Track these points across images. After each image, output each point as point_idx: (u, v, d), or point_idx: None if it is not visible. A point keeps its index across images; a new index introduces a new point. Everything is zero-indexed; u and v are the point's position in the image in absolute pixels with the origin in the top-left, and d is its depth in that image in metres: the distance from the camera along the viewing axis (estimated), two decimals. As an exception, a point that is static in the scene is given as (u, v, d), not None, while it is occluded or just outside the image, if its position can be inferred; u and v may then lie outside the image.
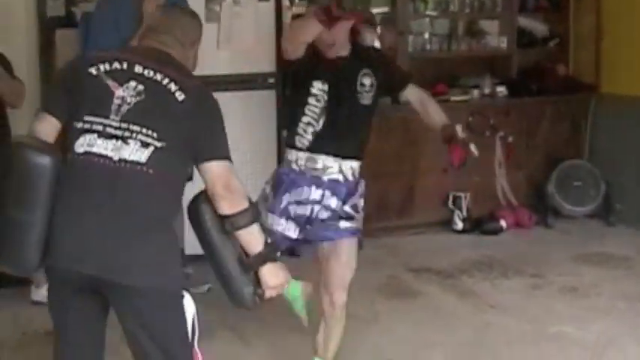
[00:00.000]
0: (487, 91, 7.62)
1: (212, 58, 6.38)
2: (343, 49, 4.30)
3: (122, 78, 3.08)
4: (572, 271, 6.34)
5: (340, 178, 4.29)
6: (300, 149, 4.26)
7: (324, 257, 4.33)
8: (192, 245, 6.07)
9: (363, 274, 6.19)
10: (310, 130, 4.24)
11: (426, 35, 7.64)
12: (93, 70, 3.10)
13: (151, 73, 3.09)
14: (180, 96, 3.07)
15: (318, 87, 4.23)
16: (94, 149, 3.02)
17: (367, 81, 4.30)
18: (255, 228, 3.18)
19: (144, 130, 3.02)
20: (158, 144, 3.02)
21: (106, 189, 3.00)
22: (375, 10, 7.69)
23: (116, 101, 3.04)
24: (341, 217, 4.29)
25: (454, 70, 7.81)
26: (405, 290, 6.04)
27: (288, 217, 4.28)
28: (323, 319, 4.41)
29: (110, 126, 3.02)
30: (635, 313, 5.53)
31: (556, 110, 7.76)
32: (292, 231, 4.29)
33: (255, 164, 6.27)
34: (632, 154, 7.42)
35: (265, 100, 6.69)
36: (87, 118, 3.04)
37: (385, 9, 7.67)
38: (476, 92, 7.59)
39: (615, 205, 7.53)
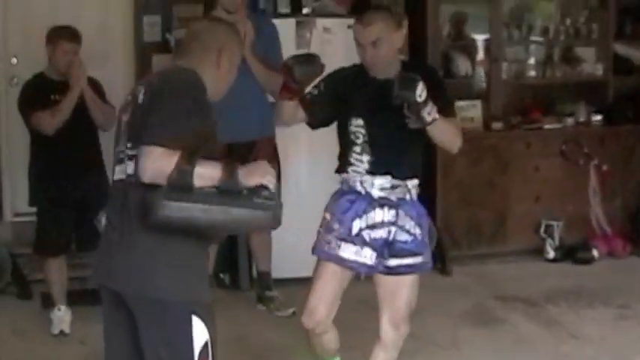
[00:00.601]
0: (582, 119, 7.54)
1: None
2: (389, 71, 4.10)
3: (126, 106, 3.27)
4: (662, 303, 6.20)
5: (407, 197, 4.16)
6: (360, 173, 4.16)
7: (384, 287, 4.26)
8: (277, 269, 6.25)
9: (448, 301, 6.26)
10: (365, 158, 4.14)
11: (531, 61, 7.65)
12: (120, 114, 3.32)
13: (137, 89, 3.24)
14: (141, 97, 3.16)
15: (354, 124, 4.13)
16: (114, 177, 3.25)
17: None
18: (201, 165, 2.98)
19: (128, 144, 3.17)
20: (135, 152, 3.08)
21: (119, 208, 3.19)
22: (475, 37, 7.74)
23: (122, 128, 3.25)
24: (418, 246, 4.17)
25: (549, 97, 7.76)
26: (489, 318, 5.99)
27: (364, 244, 4.12)
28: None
29: (119, 152, 3.24)
30: None
31: (652, 139, 7.63)
32: (369, 257, 4.14)
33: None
34: None
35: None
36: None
37: (486, 35, 7.64)
38: (570, 120, 7.52)
39: None
